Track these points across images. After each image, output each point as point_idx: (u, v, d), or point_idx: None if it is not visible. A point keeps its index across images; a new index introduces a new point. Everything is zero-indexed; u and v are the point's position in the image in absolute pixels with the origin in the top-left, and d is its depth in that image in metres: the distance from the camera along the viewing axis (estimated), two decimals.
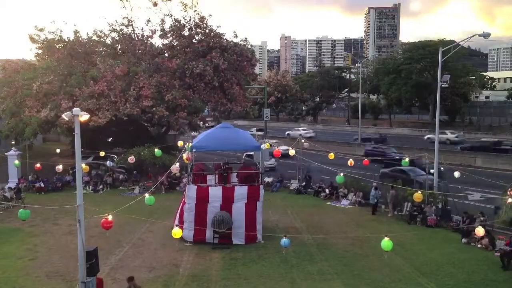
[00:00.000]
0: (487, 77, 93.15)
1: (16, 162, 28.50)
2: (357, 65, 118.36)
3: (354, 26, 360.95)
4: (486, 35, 24.03)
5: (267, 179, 30.24)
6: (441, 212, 22.39)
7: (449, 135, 54.67)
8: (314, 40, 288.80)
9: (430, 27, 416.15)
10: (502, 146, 44.15)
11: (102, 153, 31.17)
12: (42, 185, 29.93)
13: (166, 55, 37.84)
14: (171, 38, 38.13)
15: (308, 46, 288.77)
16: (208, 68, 35.21)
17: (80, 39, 37.76)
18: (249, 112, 42.65)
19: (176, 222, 19.02)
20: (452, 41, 53.83)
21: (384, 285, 14.91)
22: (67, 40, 37.40)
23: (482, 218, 19.73)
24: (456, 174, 23.45)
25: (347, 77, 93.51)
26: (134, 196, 25.52)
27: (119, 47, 38.12)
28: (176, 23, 37.56)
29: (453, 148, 46.31)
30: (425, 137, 55.56)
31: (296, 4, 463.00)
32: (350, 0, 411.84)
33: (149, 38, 37.95)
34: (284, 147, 35.52)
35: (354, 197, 26.51)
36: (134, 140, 35.36)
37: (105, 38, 38.27)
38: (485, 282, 15.15)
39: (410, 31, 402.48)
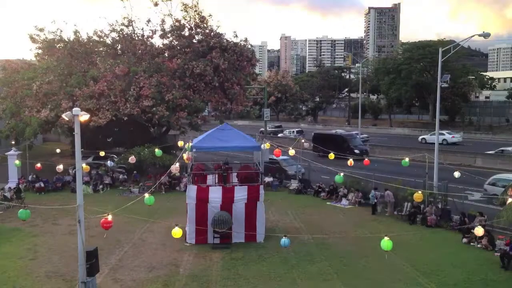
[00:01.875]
0: (487, 77, 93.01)
1: (17, 162, 28.50)
2: (357, 65, 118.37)
3: (354, 26, 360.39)
4: (486, 35, 24.05)
5: (267, 179, 30.23)
6: (441, 212, 22.40)
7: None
8: (314, 40, 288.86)
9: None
10: None
11: (102, 153, 31.17)
12: (42, 185, 29.93)
13: (166, 55, 37.86)
14: (171, 38, 38.15)
15: (308, 46, 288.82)
16: (208, 68, 35.21)
17: (80, 39, 37.76)
18: (249, 112, 42.64)
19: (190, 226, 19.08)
20: (452, 41, 53.87)
21: (384, 285, 14.92)
22: (67, 40, 37.40)
23: (480, 218, 19.72)
24: (456, 174, 23.43)
25: (347, 77, 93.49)
26: (133, 196, 25.53)
27: (119, 47, 38.12)
28: (176, 23, 37.58)
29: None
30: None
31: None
32: None
33: (149, 38, 37.99)
34: None
35: (354, 197, 26.50)
36: (134, 140, 35.37)
37: (105, 38, 38.27)
38: (485, 282, 15.16)
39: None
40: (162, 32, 37.90)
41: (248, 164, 23.85)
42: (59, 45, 37.26)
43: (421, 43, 75.82)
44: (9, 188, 27.81)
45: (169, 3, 37.51)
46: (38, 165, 26.70)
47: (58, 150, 32.65)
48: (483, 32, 23.92)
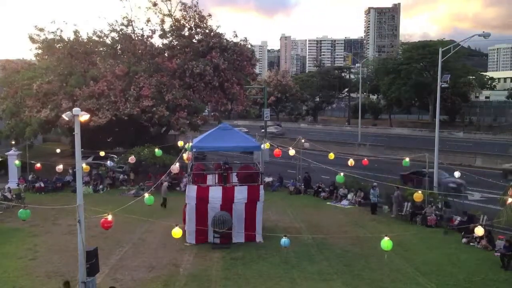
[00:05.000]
0: (487, 77, 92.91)
1: (17, 162, 28.49)
2: (357, 65, 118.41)
3: (354, 26, 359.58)
4: (486, 35, 24.07)
5: (267, 179, 30.22)
6: (441, 212, 22.37)
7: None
8: (314, 40, 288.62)
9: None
10: None
11: (102, 153, 31.15)
12: (42, 185, 29.93)
13: (166, 55, 37.86)
14: (171, 38, 38.16)
15: (308, 46, 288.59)
16: (208, 68, 35.21)
17: (80, 39, 37.76)
18: (249, 112, 42.65)
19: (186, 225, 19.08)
20: (452, 41, 53.86)
21: (384, 285, 14.91)
22: (67, 40, 37.39)
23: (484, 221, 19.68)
24: (456, 174, 23.42)
25: (347, 77, 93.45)
26: (132, 196, 25.47)
27: (119, 47, 38.12)
28: (176, 23, 37.58)
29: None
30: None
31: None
32: None
33: (149, 38, 37.99)
34: None
35: (354, 197, 26.51)
36: (134, 140, 35.35)
37: (105, 38, 38.28)
38: (485, 282, 15.16)
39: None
40: (161, 32, 37.91)
41: (248, 164, 23.83)
42: (59, 45, 37.25)
43: (421, 43, 75.83)
44: (9, 188, 27.77)
45: (169, 3, 37.57)
46: (38, 165, 26.69)
47: (58, 150, 32.63)
48: (483, 32, 23.96)
